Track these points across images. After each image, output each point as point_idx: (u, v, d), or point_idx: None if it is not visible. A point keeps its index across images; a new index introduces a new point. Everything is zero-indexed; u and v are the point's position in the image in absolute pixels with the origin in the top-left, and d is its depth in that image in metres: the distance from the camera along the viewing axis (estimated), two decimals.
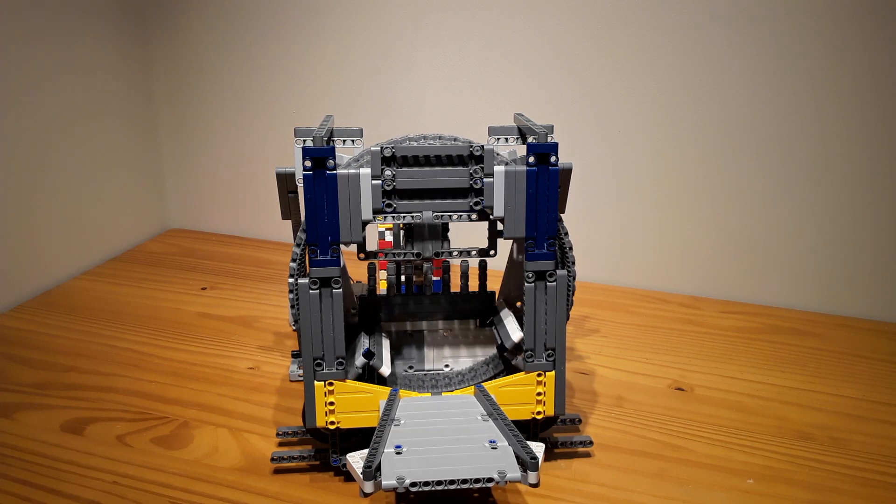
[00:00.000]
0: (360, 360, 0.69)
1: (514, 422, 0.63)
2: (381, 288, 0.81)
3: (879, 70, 0.95)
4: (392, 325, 0.78)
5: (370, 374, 0.71)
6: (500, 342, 0.73)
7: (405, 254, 0.70)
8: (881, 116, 0.97)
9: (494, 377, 0.71)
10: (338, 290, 0.64)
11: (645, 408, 0.80)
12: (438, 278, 0.79)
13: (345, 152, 0.73)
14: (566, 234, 0.67)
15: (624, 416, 0.79)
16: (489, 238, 0.74)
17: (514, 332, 0.71)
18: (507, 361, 0.73)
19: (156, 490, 0.67)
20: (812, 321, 1.01)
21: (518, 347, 0.71)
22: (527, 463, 0.58)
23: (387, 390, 0.67)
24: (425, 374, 0.75)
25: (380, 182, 0.63)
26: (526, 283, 0.66)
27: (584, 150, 1.09)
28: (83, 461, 0.70)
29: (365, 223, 0.64)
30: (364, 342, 0.72)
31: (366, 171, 0.63)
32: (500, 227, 0.67)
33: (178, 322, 0.99)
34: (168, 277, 1.14)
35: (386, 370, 0.70)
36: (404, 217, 0.65)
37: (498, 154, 0.65)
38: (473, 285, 0.80)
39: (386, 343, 0.75)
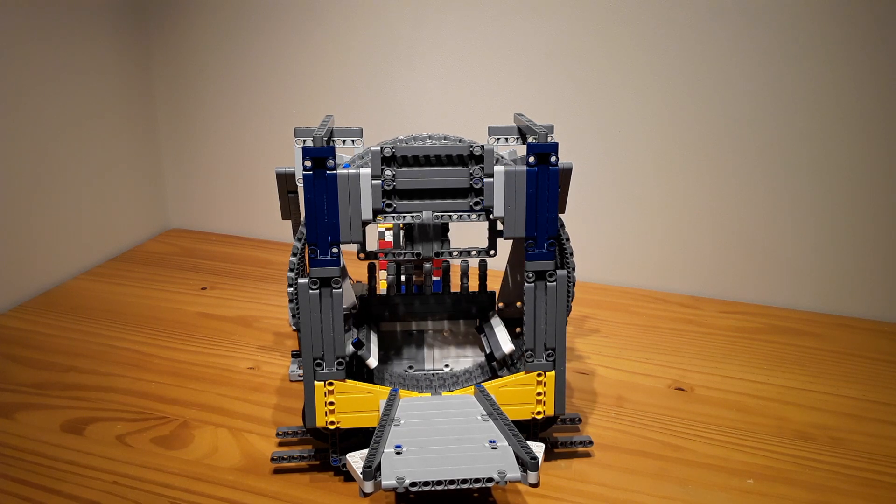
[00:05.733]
0: (349, 349, 0.69)
1: (514, 422, 0.63)
2: (381, 288, 0.81)
3: (879, 70, 0.95)
4: (392, 325, 0.78)
5: (358, 366, 0.70)
6: (488, 351, 0.73)
7: (405, 254, 0.70)
8: (881, 116, 0.97)
9: (494, 377, 0.71)
10: (338, 290, 0.64)
11: (645, 408, 0.80)
12: (438, 278, 0.79)
13: (345, 152, 0.73)
14: (567, 239, 0.67)
15: (624, 416, 0.79)
16: (489, 238, 0.74)
17: (505, 343, 0.71)
18: (493, 370, 0.72)
19: (156, 490, 0.67)
20: (812, 321, 1.01)
21: (506, 359, 0.71)
22: (527, 463, 0.58)
23: (387, 390, 0.67)
24: (425, 374, 0.75)
25: (380, 182, 0.63)
26: (526, 283, 0.66)
27: (584, 150, 1.09)
28: (83, 461, 0.70)
29: (365, 223, 0.64)
30: (353, 332, 0.73)
31: (366, 171, 0.63)
32: (500, 226, 0.67)
33: (177, 322, 0.99)
34: (168, 277, 1.14)
35: (373, 362, 0.70)
36: (404, 217, 0.65)
37: (498, 154, 0.65)
38: (473, 285, 0.80)
39: (374, 337, 0.75)
